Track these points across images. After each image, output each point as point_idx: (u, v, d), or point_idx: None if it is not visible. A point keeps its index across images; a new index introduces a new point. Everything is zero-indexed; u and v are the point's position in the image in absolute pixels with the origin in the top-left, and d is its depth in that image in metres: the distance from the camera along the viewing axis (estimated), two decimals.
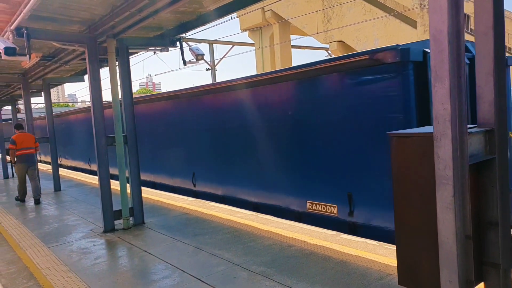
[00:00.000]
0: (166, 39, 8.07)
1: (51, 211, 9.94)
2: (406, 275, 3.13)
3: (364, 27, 20.31)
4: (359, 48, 20.29)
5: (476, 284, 2.97)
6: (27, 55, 6.61)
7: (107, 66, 8.21)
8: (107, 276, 5.49)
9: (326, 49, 28.24)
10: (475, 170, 3.08)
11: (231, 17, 19.35)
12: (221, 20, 9.89)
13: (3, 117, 19.28)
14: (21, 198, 11.49)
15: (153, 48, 8.30)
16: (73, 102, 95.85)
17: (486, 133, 3.20)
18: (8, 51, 6.29)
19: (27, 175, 11.22)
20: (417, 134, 3.12)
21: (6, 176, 17.65)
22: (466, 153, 2.82)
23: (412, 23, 18.83)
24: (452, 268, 2.70)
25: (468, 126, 3.00)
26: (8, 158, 13.98)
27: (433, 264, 2.88)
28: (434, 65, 2.83)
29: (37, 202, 11.08)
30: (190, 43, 22.06)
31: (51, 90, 13.60)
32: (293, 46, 27.94)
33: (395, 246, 5.60)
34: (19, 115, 17.72)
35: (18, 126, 11.47)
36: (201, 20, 7.26)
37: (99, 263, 6.02)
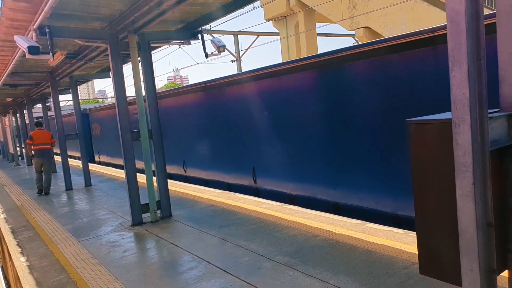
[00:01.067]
0: (187, 32, 8.09)
1: (82, 206, 10.18)
2: (427, 264, 3.07)
3: (391, 12, 19.87)
4: (386, 34, 19.90)
5: (501, 272, 2.89)
6: (51, 53, 6.72)
7: (130, 61, 8.30)
8: (135, 268, 5.60)
9: (353, 35, 27.86)
10: (498, 156, 2.98)
11: (253, 7, 19.28)
12: (243, 10, 9.87)
13: (35, 115, 19.83)
14: (39, 190, 12.64)
15: (175, 41, 8.33)
16: (103, 98, 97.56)
17: (509, 117, 3.09)
18: (32, 49, 6.41)
19: (42, 168, 12.42)
20: (436, 121, 3.04)
21: None
22: (486, 139, 2.73)
23: (441, 5, 18.30)
24: (472, 257, 2.63)
25: (490, 110, 2.90)
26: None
27: (454, 252, 2.81)
28: (452, 48, 2.73)
29: (47, 192, 12.56)
30: (215, 35, 22.11)
31: (81, 87, 13.85)
32: (319, 34, 27.62)
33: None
34: (49, 113, 18.11)
35: (38, 124, 12.95)
36: (221, 11, 7.24)
37: (127, 256, 6.13)
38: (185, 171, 13.79)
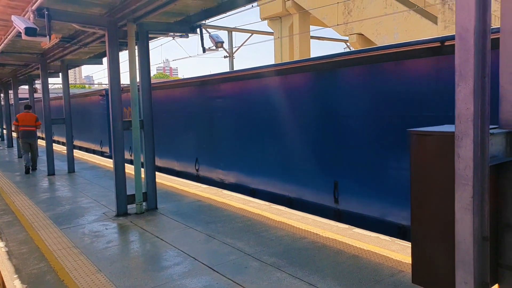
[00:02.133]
0: (186, 25, 8.05)
1: (65, 193, 10.05)
2: (420, 274, 3.11)
3: (385, 20, 20.09)
4: (379, 42, 20.09)
5: (491, 286, 2.94)
6: (47, 36, 6.63)
7: (126, 49, 8.23)
8: (118, 260, 5.55)
9: (345, 41, 28.03)
10: (495, 171, 3.04)
11: (252, 6, 19.27)
12: (242, 8, 9.82)
13: (20, 96, 19.52)
14: (27, 169, 13.17)
15: (173, 34, 8.29)
16: (90, 84, 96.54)
17: (507, 134, 3.15)
18: (29, 31, 6.31)
19: (29, 147, 13.30)
20: (438, 133, 3.08)
21: (20, 156, 17.86)
22: (487, 154, 2.78)
23: (433, 19, 18.56)
24: (468, 269, 2.68)
25: (490, 126, 2.95)
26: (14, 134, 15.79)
27: (448, 264, 2.86)
28: (459, 64, 2.78)
29: (27, 171, 13.15)
30: (210, 30, 22.05)
31: (69, 72, 13.68)
32: (312, 37, 27.75)
33: (405, 242, 5.62)
34: (35, 95, 17.86)
35: (26, 106, 13.73)
36: (222, 8, 7.21)
37: (111, 247, 6.08)
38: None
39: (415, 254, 3.15)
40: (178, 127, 13.57)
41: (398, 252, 5.34)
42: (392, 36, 20.02)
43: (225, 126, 11.26)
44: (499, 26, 3.26)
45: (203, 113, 12.18)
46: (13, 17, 6.65)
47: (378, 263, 5.01)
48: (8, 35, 8.92)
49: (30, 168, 13.27)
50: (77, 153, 17.96)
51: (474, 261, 2.67)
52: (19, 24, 6.40)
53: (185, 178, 11.89)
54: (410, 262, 3.24)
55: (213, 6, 7.29)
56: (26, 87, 18.89)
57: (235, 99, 10.94)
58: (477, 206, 2.71)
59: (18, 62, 13.70)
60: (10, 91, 21.34)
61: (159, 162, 13.55)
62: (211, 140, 11.88)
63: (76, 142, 21.71)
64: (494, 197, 3.05)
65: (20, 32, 6.55)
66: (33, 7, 6.41)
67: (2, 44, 9.78)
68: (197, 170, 12.55)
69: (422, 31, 18.42)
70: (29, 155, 13.30)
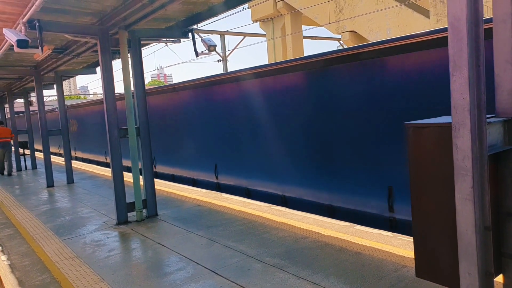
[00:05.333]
0: (178, 30, 8.03)
1: (64, 204, 10.02)
2: (423, 267, 3.09)
3: (377, 17, 20.10)
4: (371, 38, 20.09)
5: (496, 276, 2.93)
6: (40, 48, 6.61)
7: (119, 58, 8.21)
8: (121, 269, 5.52)
9: (338, 39, 28.05)
10: (494, 160, 3.02)
11: (243, 8, 19.30)
12: (233, 11, 9.82)
13: (16, 109, 19.54)
14: (1, 172, 16.83)
15: (165, 39, 8.27)
16: (85, 94, 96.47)
17: (505, 122, 3.13)
18: (21, 43, 6.28)
19: (4, 156, 16.63)
20: (435, 125, 3.07)
21: (19, 169, 17.84)
22: (485, 144, 2.77)
23: (425, 13, 18.57)
24: (471, 260, 2.66)
25: (487, 115, 2.94)
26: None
27: (451, 256, 2.84)
28: (452, 54, 2.76)
29: (9, 174, 16.59)
30: (202, 35, 22.04)
31: (63, 83, 13.65)
32: (305, 37, 27.77)
33: (408, 237, 5.59)
34: (31, 108, 17.85)
35: (0, 122, 17.34)
36: (213, 11, 7.21)
37: (113, 256, 6.05)
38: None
39: (418, 247, 3.13)
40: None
41: (400, 247, 5.32)
42: (385, 32, 20.04)
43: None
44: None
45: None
46: (4, 30, 6.63)
47: (381, 259, 4.99)
48: (1, 49, 8.90)
49: (7, 173, 16.67)
50: (79, 165, 17.97)
51: (477, 252, 2.65)
52: (11, 36, 6.38)
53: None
54: (413, 257, 3.22)
55: (203, 10, 7.29)
56: (22, 100, 18.87)
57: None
58: (477, 196, 2.69)
59: (12, 75, 13.67)
60: (6, 105, 21.31)
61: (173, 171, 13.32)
62: None
63: (81, 154, 21.46)
64: (494, 186, 3.04)
65: (12, 45, 6.53)
66: (24, 19, 6.39)
67: None
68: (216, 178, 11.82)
69: (414, 25, 18.44)
70: (7, 162, 16.61)
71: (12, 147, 17.62)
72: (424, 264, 3.08)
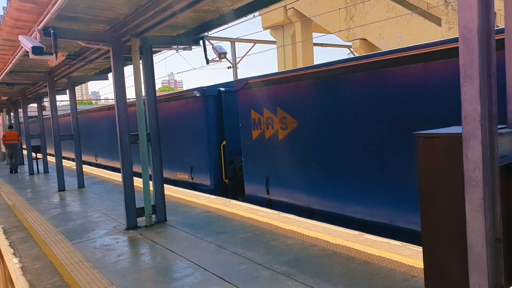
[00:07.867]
0: (189, 37, 8.09)
1: (75, 208, 10.10)
2: (433, 278, 3.07)
3: (388, 24, 20.05)
4: (382, 46, 20.06)
5: None
6: (54, 54, 6.70)
7: (131, 64, 8.29)
8: (130, 273, 5.55)
9: (349, 46, 28.03)
10: (505, 171, 3.00)
11: (254, 15, 19.37)
12: (243, 18, 9.82)
13: (29, 114, 19.89)
14: (10, 170, 19.37)
15: (176, 46, 8.33)
16: (97, 99, 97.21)
17: None
18: (36, 50, 6.38)
19: (12, 155, 19.16)
20: (445, 135, 3.06)
21: (31, 173, 18.01)
22: (496, 155, 2.75)
23: (437, 21, 18.50)
24: (481, 272, 2.64)
25: (499, 126, 2.92)
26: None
27: (461, 267, 2.82)
28: (463, 64, 2.76)
29: (15, 172, 19.31)
30: (212, 41, 22.15)
31: (75, 88, 13.79)
32: (315, 44, 27.77)
33: (417, 246, 5.55)
34: (44, 113, 18.04)
35: (10, 127, 21.28)
36: (224, 19, 7.26)
37: (122, 260, 6.08)
38: None
39: (427, 258, 3.12)
40: None
41: (410, 257, 5.28)
42: (395, 39, 19.99)
43: None
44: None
45: None
46: (20, 37, 6.73)
47: (390, 269, 4.97)
48: (16, 55, 9.02)
49: (13, 170, 19.29)
50: (90, 170, 18.06)
51: (487, 264, 2.63)
52: (26, 43, 6.48)
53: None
54: (423, 267, 3.21)
55: (214, 18, 7.34)
56: (35, 105, 19.15)
57: None
58: (488, 208, 2.67)
59: (26, 81, 13.86)
60: (20, 110, 21.69)
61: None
62: None
63: (101, 161, 21.08)
64: (505, 197, 3.02)
65: (28, 52, 6.62)
66: (40, 27, 6.48)
67: (11, 63, 9.88)
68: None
69: (426, 33, 18.38)
70: (12, 160, 19.16)
71: (24, 150, 20.63)
72: (434, 275, 3.06)
